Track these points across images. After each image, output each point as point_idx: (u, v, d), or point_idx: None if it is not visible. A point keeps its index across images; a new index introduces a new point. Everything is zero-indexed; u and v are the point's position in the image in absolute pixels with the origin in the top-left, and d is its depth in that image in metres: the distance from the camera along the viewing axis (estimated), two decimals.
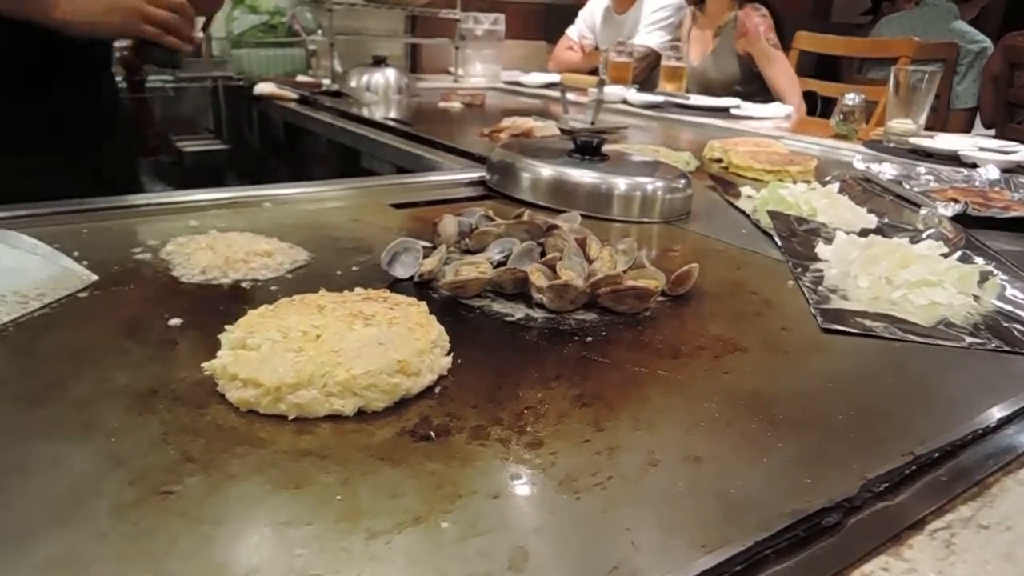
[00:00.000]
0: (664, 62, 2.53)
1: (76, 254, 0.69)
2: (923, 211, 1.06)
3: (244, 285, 0.67)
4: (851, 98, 1.75)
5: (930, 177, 1.28)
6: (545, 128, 1.56)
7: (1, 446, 0.41)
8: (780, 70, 2.47)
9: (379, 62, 2.17)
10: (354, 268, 0.73)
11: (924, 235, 0.88)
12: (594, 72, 2.62)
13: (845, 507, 0.40)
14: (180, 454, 0.41)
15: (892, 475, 0.43)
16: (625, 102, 2.21)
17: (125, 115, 1.29)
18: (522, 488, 0.41)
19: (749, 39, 2.48)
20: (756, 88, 2.54)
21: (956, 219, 1.01)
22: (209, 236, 0.76)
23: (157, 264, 0.71)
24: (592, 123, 1.09)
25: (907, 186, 1.21)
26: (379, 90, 2.12)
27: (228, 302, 0.63)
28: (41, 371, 0.50)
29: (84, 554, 0.34)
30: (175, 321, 0.58)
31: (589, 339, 0.60)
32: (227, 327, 0.52)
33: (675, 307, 0.69)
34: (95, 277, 0.66)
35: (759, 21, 2.49)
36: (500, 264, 0.71)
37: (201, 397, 0.47)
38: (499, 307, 0.65)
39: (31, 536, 0.35)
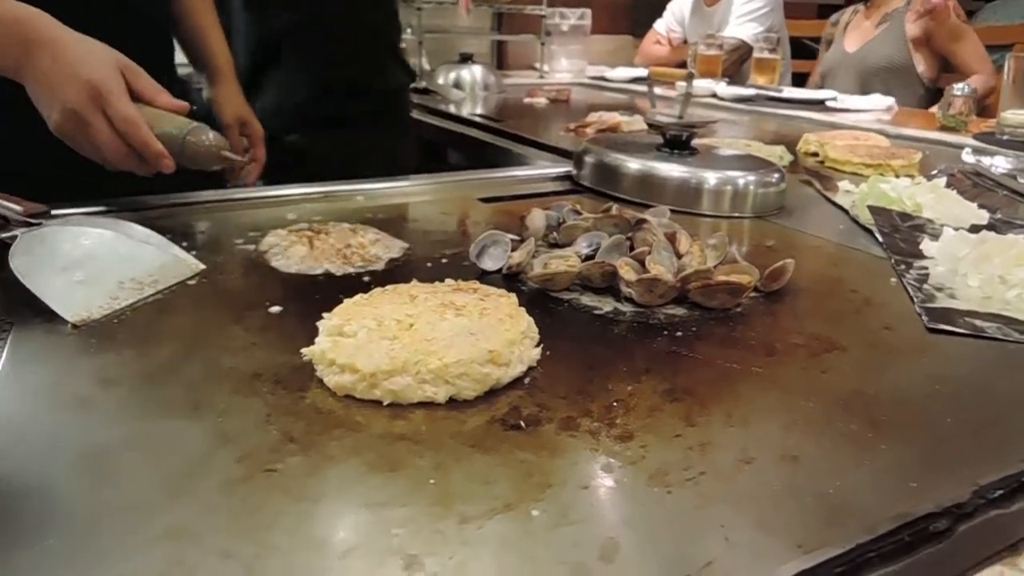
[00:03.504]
0: (756, 54, 2.46)
1: (185, 244, 0.72)
2: None
3: (338, 275, 0.69)
4: (960, 88, 1.65)
5: None
6: (632, 123, 1.54)
7: (122, 422, 0.45)
8: (971, 46, 2.35)
9: (466, 59, 2.19)
10: (444, 260, 0.75)
11: None
12: (682, 66, 2.58)
13: (955, 513, 0.38)
14: (282, 434, 0.43)
15: (1008, 482, 0.41)
16: (715, 96, 2.16)
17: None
18: (612, 480, 0.41)
19: (937, 15, 2.34)
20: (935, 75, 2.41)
21: None
22: (305, 228, 0.78)
23: (258, 254, 0.74)
24: (680, 117, 1.07)
25: (1022, 180, 1.13)
26: (466, 87, 2.15)
27: (324, 291, 0.65)
28: (156, 353, 0.53)
29: (197, 526, 0.36)
30: (275, 309, 0.61)
31: (679, 334, 0.59)
32: (324, 315, 0.54)
33: (769, 304, 0.67)
34: (202, 266, 0.69)
35: None
36: (588, 258, 0.71)
37: (301, 381, 0.50)
38: (587, 300, 0.65)
39: (149, 508, 0.37)
